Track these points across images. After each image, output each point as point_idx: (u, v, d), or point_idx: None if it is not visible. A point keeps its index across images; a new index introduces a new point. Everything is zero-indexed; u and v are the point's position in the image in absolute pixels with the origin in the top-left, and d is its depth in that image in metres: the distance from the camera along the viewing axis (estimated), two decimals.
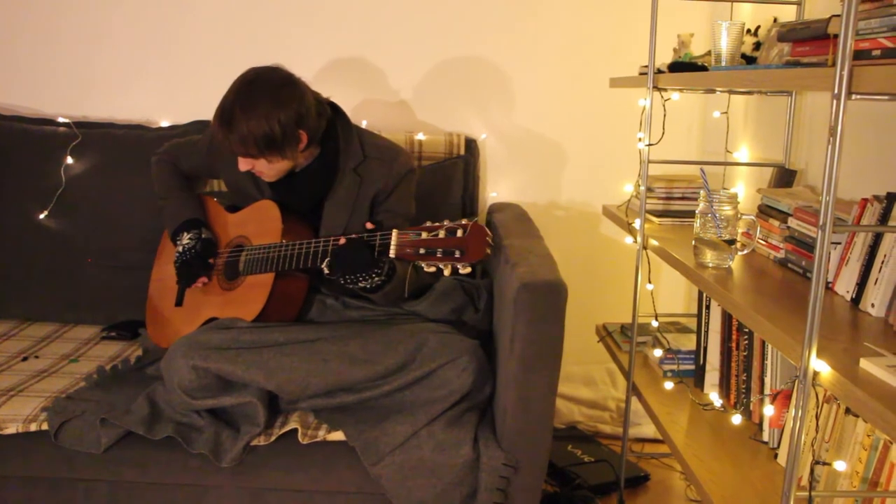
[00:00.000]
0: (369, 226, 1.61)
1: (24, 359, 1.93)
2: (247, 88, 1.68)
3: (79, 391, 1.74)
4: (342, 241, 1.62)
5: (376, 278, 1.61)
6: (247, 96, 1.66)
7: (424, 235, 1.50)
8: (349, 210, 1.83)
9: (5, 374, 1.83)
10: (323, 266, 1.64)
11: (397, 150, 1.89)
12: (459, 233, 1.47)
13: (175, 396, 1.63)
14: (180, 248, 1.86)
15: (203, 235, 1.88)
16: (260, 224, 1.84)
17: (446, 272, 1.48)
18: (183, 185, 1.99)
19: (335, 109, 1.85)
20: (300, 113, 1.69)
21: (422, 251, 1.49)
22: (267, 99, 1.65)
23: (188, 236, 1.87)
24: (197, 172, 2.02)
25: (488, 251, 1.45)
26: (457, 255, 1.46)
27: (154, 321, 1.99)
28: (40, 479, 1.64)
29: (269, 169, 1.75)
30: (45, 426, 1.62)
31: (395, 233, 1.54)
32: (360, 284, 1.62)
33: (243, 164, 1.74)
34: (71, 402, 1.67)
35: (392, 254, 1.53)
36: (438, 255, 1.47)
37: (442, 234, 1.48)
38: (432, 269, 1.49)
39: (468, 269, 1.47)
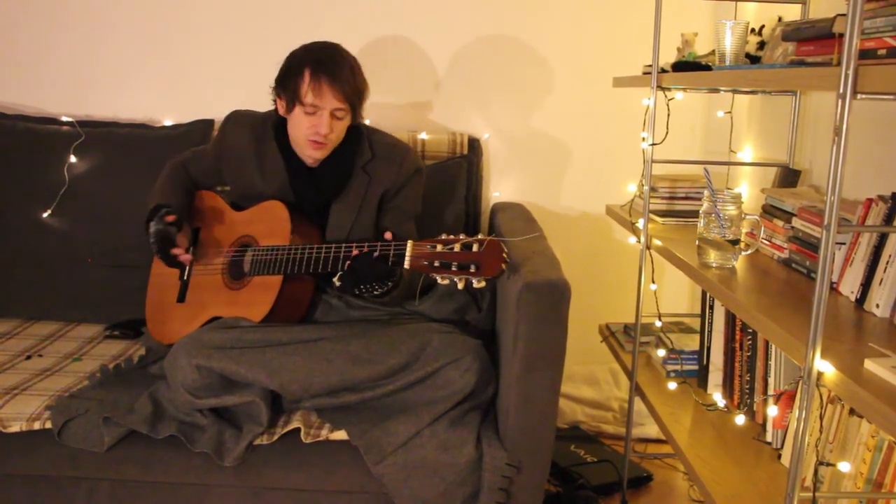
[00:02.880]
0: (388, 236, 1.61)
1: (28, 357, 1.94)
2: (341, 50, 1.79)
3: (82, 390, 1.74)
4: (354, 251, 1.62)
5: (389, 285, 1.62)
6: (346, 56, 1.78)
7: (440, 248, 1.50)
8: (356, 208, 1.85)
9: (9, 372, 1.83)
10: (335, 280, 1.64)
11: (406, 148, 1.92)
12: (475, 247, 1.47)
13: (178, 395, 1.63)
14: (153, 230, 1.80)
15: (162, 223, 1.79)
16: (268, 224, 1.83)
17: (460, 285, 1.48)
18: (177, 179, 1.97)
19: None
20: None
21: (436, 264, 1.50)
22: (357, 63, 1.80)
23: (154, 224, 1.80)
24: (204, 178, 2.02)
25: (504, 267, 1.46)
26: (472, 269, 1.46)
27: (154, 317, 1.98)
28: (43, 477, 1.64)
29: (339, 128, 1.78)
30: (48, 425, 1.63)
31: (410, 244, 1.54)
32: (374, 293, 1.63)
33: (325, 125, 1.74)
34: (74, 401, 1.67)
35: (406, 265, 1.54)
36: (453, 269, 1.48)
37: (457, 247, 1.48)
38: (446, 281, 1.49)
39: (482, 284, 1.47)
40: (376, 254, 1.58)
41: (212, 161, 1.98)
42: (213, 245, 1.93)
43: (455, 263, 1.47)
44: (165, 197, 1.89)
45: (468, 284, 1.48)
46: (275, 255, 1.75)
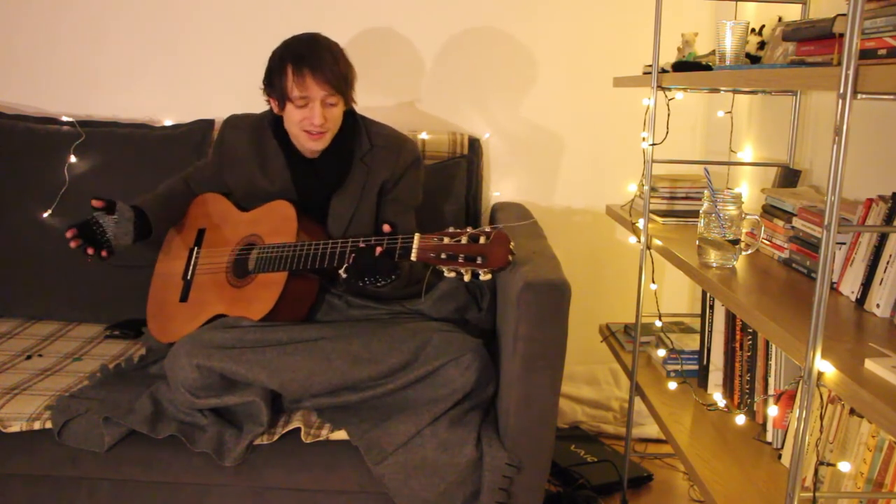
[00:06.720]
0: (387, 228, 1.61)
1: (28, 357, 1.94)
2: (319, 39, 1.79)
3: (82, 390, 1.74)
4: (361, 244, 1.62)
5: (394, 278, 1.62)
6: (326, 44, 1.78)
7: (447, 241, 1.51)
8: (356, 199, 1.86)
9: (9, 372, 1.83)
10: (340, 272, 1.65)
11: (403, 138, 1.94)
12: (482, 239, 1.48)
13: (179, 395, 1.63)
14: (112, 221, 1.81)
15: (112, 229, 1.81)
16: (274, 223, 1.84)
17: (466, 278, 1.49)
18: (165, 189, 2.01)
19: None
20: None
21: (443, 256, 1.50)
22: (339, 48, 1.80)
23: (116, 218, 1.81)
24: (208, 188, 2.04)
25: (510, 259, 1.47)
26: (478, 261, 1.47)
27: (156, 316, 1.98)
28: (44, 477, 1.64)
29: (333, 115, 1.79)
30: (48, 424, 1.63)
31: (416, 237, 1.55)
32: (378, 285, 1.63)
33: (317, 116, 1.75)
34: (74, 401, 1.67)
35: (413, 257, 1.54)
36: (460, 261, 1.49)
37: (464, 239, 1.49)
38: (452, 274, 1.50)
39: (489, 276, 1.48)
40: (383, 247, 1.58)
41: (213, 168, 2.00)
42: (218, 245, 1.93)
43: (462, 255, 1.49)
44: (142, 199, 1.92)
45: (474, 276, 1.48)
46: (280, 252, 1.76)
